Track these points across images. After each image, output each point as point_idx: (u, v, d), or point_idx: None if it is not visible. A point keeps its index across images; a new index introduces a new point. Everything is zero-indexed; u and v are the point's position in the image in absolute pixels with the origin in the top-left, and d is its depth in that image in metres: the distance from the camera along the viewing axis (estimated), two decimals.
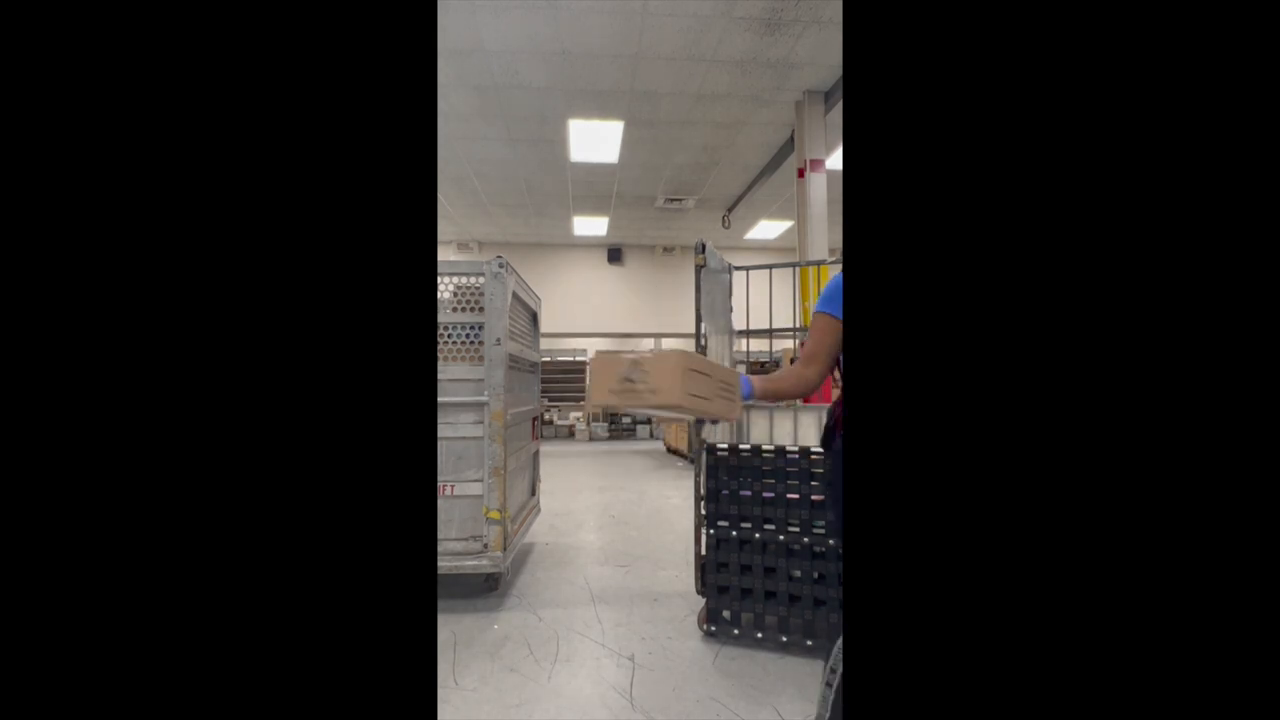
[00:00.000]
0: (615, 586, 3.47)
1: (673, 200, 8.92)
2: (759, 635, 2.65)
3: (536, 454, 4.42)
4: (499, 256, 3.24)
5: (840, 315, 1.50)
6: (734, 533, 2.73)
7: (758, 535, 2.69)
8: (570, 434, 12.28)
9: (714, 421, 1.88)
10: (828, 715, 1.53)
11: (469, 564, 3.09)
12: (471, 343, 3.19)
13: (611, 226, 10.32)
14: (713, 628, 2.74)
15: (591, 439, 12.11)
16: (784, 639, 2.62)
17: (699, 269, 2.95)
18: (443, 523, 3.08)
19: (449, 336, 3.17)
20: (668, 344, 13.03)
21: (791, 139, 6.48)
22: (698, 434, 2.95)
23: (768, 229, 10.31)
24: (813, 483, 2.64)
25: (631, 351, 1.40)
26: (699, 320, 2.96)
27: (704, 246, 2.99)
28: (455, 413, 3.13)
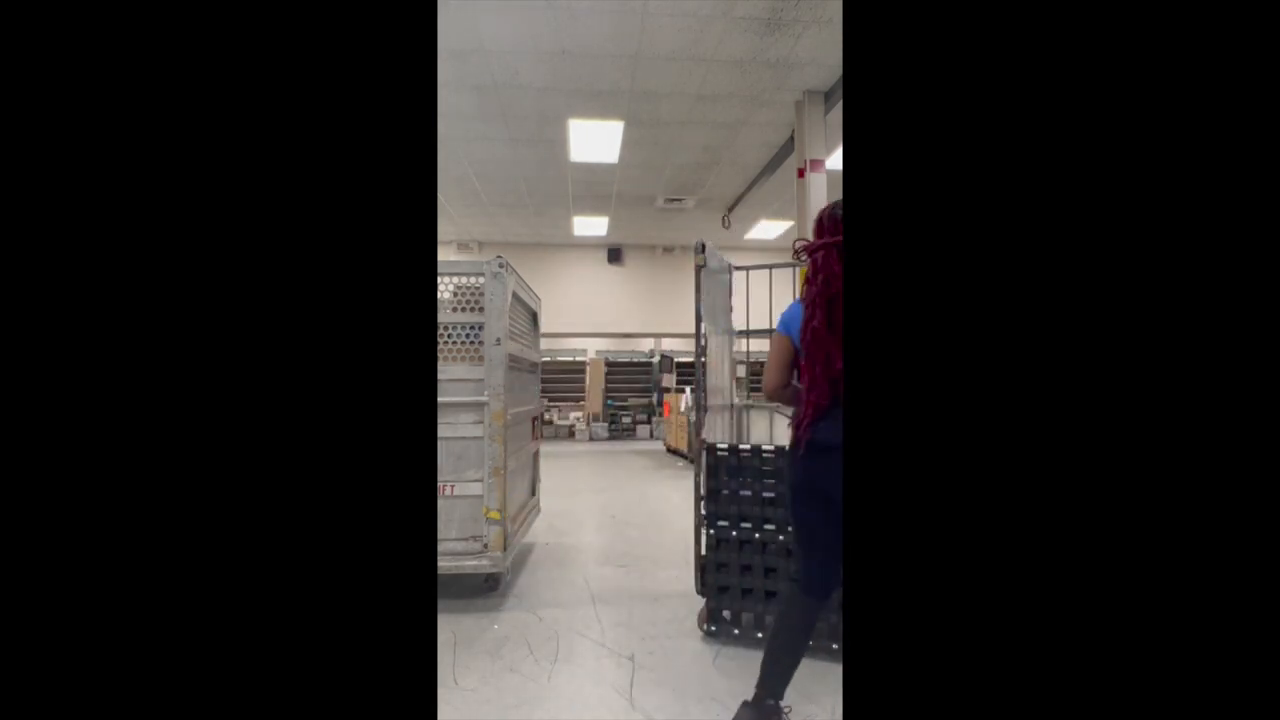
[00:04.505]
0: (615, 586, 3.47)
1: (673, 200, 8.92)
2: (759, 635, 2.65)
3: (536, 454, 4.42)
4: (499, 256, 3.24)
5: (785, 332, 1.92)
6: (734, 533, 2.73)
7: (758, 535, 2.69)
8: (570, 434, 12.27)
9: None
10: None
11: (469, 564, 3.09)
12: (471, 343, 3.19)
13: (611, 226, 10.32)
14: (713, 628, 2.74)
15: (591, 439, 12.11)
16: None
17: (699, 269, 2.95)
18: (443, 523, 3.08)
19: (449, 336, 3.17)
20: (667, 344, 13.04)
21: (791, 139, 6.48)
22: (697, 434, 2.95)
23: (768, 229, 10.30)
24: None
25: None
26: (699, 320, 2.96)
27: (704, 246, 2.99)
28: (455, 413, 3.13)
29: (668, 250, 11.61)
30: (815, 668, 2.42)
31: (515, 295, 3.42)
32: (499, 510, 3.12)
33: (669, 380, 12.04)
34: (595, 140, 6.92)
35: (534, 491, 4.36)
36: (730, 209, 9.22)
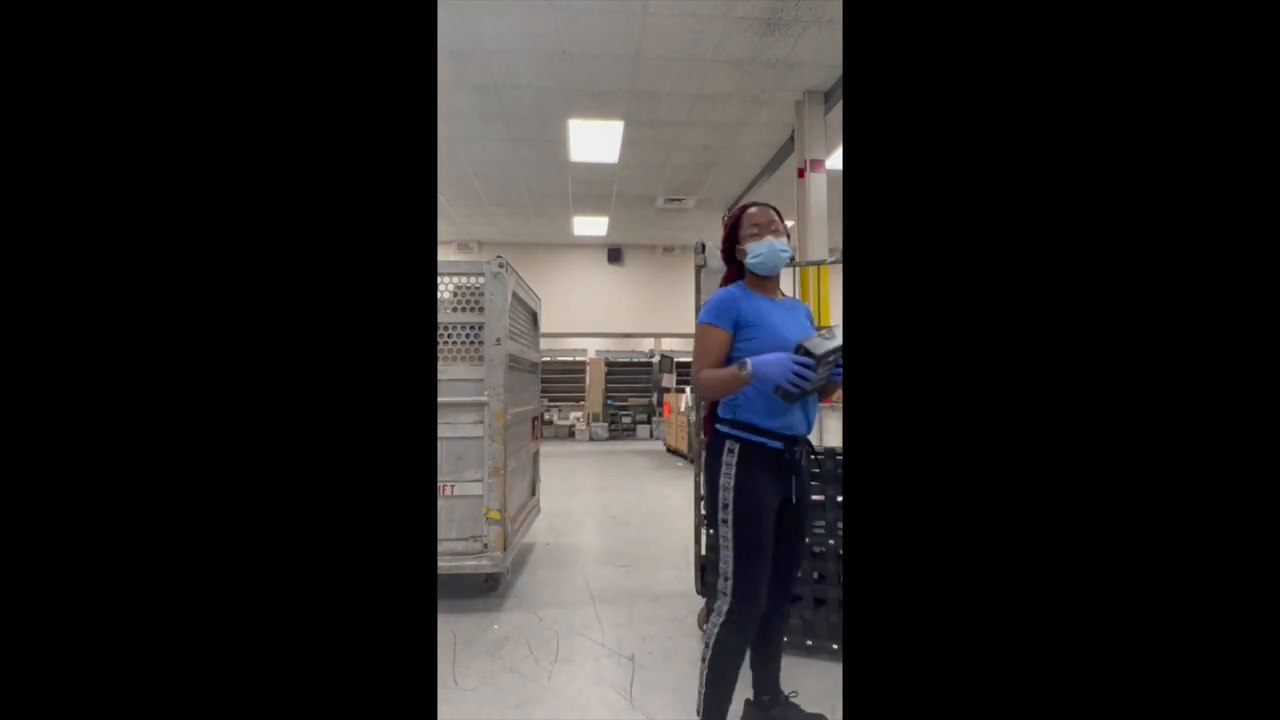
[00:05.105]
0: (615, 586, 3.47)
1: (673, 200, 8.92)
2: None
3: (536, 454, 4.42)
4: (499, 256, 3.24)
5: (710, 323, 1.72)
6: None
7: None
8: (570, 434, 12.27)
9: None
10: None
11: (469, 564, 3.09)
12: (471, 343, 3.19)
13: (611, 226, 10.32)
14: None
15: (591, 439, 12.11)
16: (784, 639, 2.62)
17: (699, 269, 2.95)
18: (443, 523, 3.08)
19: (449, 336, 3.17)
20: (667, 344, 13.04)
21: (791, 139, 6.48)
22: (698, 434, 2.95)
23: None
24: (813, 483, 2.64)
25: None
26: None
27: (704, 246, 2.98)
28: (455, 413, 3.13)
29: (668, 250, 11.61)
30: (815, 667, 2.42)
31: (515, 295, 3.42)
32: (499, 510, 3.12)
33: (669, 380, 12.03)
34: (595, 140, 6.93)
35: (534, 491, 4.36)
36: (730, 209, 9.22)
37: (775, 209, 1.83)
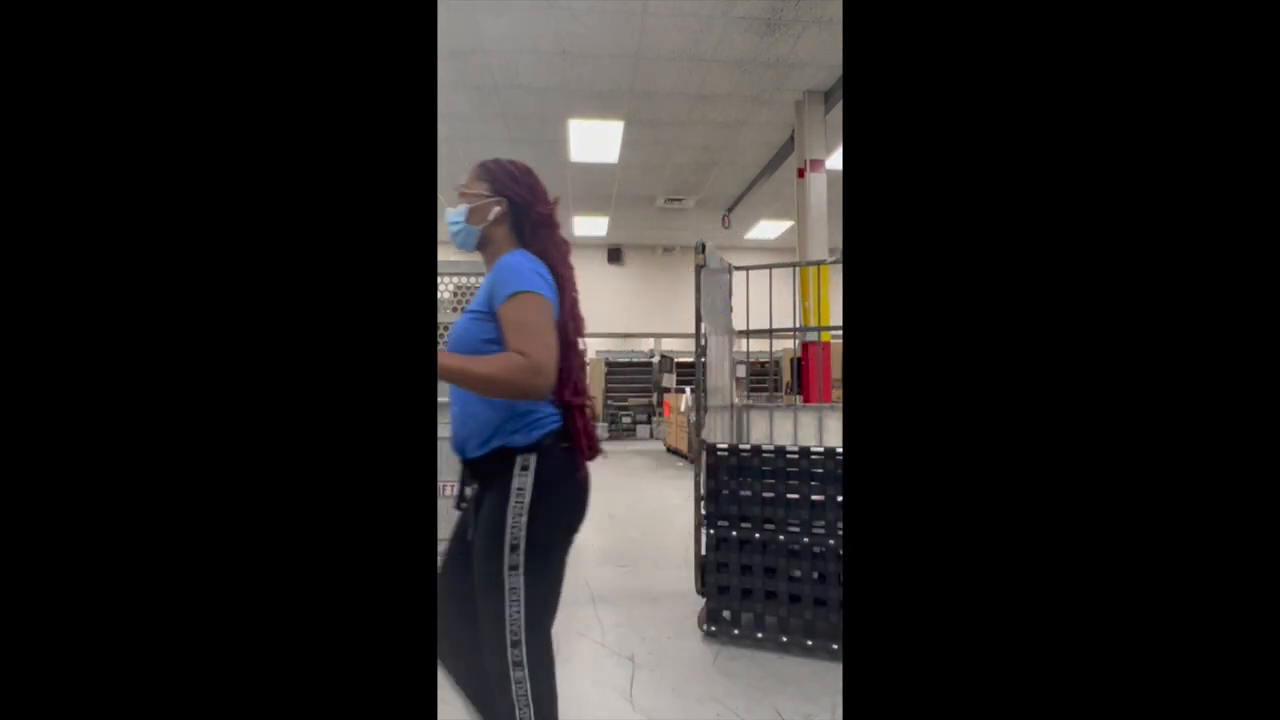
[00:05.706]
0: (615, 586, 3.47)
1: (673, 200, 8.93)
2: (759, 635, 2.65)
3: None
4: None
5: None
6: (734, 533, 2.73)
7: (758, 535, 2.69)
8: None
9: None
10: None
11: None
12: None
13: (611, 226, 10.32)
14: (713, 628, 2.74)
15: None
16: (784, 639, 2.62)
17: (699, 269, 2.95)
18: (443, 523, 3.07)
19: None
20: (667, 344, 13.04)
21: (791, 139, 6.48)
22: (697, 434, 2.95)
23: (768, 229, 10.31)
24: (813, 483, 2.64)
25: None
26: (699, 320, 2.96)
27: (704, 246, 2.99)
28: None
29: (668, 250, 11.61)
30: (815, 668, 2.42)
31: None
32: None
33: (669, 380, 12.03)
34: (595, 140, 6.93)
35: None
36: (730, 209, 9.22)
37: (484, 164, 1.47)
